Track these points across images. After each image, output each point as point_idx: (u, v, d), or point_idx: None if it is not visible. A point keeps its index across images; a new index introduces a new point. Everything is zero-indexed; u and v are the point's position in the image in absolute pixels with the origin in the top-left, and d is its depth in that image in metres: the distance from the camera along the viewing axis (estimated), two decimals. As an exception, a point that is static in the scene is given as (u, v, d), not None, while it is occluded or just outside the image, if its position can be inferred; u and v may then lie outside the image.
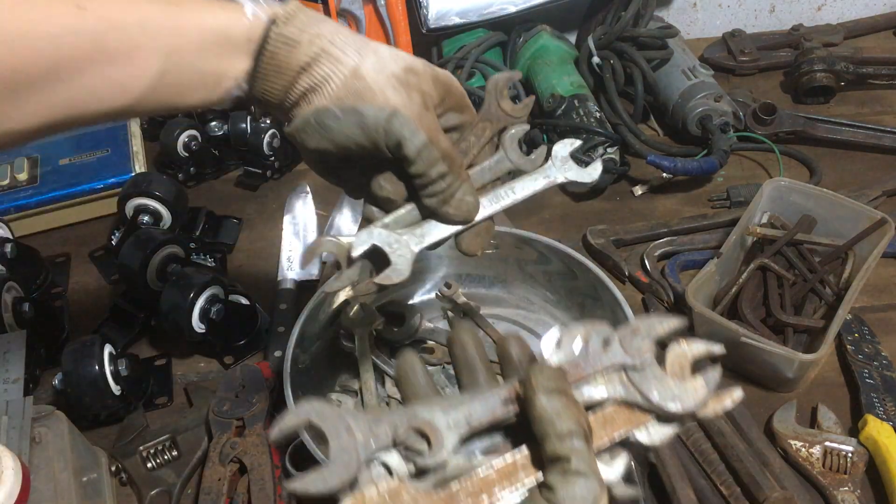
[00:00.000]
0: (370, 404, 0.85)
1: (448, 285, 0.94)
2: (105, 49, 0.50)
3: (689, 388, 0.45)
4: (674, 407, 0.44)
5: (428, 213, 0.61)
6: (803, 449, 0.82)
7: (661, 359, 0.46)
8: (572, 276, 0.92)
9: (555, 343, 0.48)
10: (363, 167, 0.60)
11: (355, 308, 0.91)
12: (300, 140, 0.57)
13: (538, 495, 0.41)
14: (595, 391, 0.45)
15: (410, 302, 0.98)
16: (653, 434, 0.45)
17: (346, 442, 0.42)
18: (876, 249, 0.91)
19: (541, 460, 0.42)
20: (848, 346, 0.91)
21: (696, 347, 0.46)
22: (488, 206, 0.62)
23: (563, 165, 0.65)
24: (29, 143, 0.54)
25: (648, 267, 1.03)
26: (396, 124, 0.54)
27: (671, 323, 0.47)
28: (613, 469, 0.45)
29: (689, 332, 0.92)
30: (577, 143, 0.65)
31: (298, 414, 0.43)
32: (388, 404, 0.86)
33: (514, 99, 0.69)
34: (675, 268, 1.02)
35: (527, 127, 0.64)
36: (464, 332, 0.52)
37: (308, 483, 0.41)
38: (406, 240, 0.61)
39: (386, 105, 0.54)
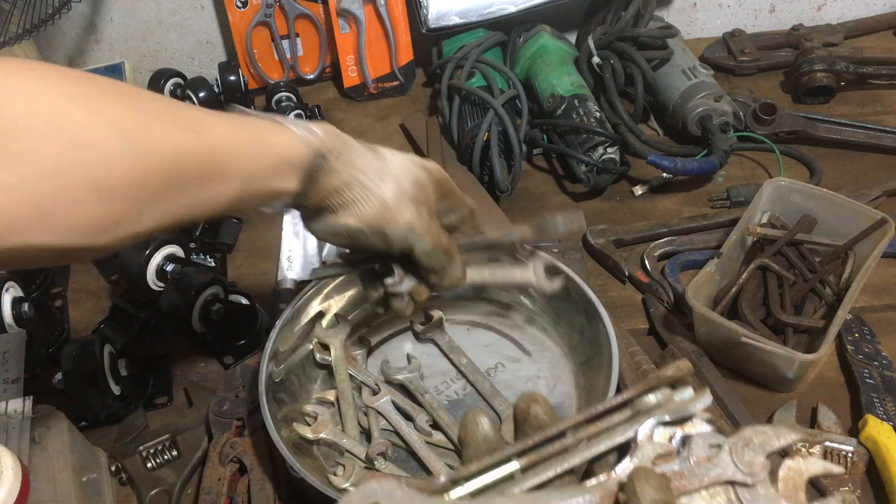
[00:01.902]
0: (348, 415, 0.85)
1: (428, 316, 0.93)
2: (210, 169, 0.56)
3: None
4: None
5: (428, 284, 0.74)
6: (803, 449, 0.82)
7: (773, 475, 0.41)
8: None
9: (649, 431, 0.43)
10: (370, 255, 0.73)
11: (329, 318, 0.91)
12: (323, 237, 0.69)
13: None
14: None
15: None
16: None
17: None
18: (876, 249, 0.91)
19: None
20: (848, 346, 0.91)
21: (814, 466, 0.42)
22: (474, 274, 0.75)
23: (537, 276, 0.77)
24: (135, 243, 0.61)
25: (648, 267, 1.03)
26: (411, 237, 0.67)
27: (790, 437, 0.43)
28: None
29: (689, 329, 0.92)
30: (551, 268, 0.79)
31: (365, 494, 0.40)
32: (366, 415, 0.85)
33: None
34: (675, 268, 1.02)
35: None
36: (535, 405, 0.51)
37: None
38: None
39: (404, 225, 0.66)
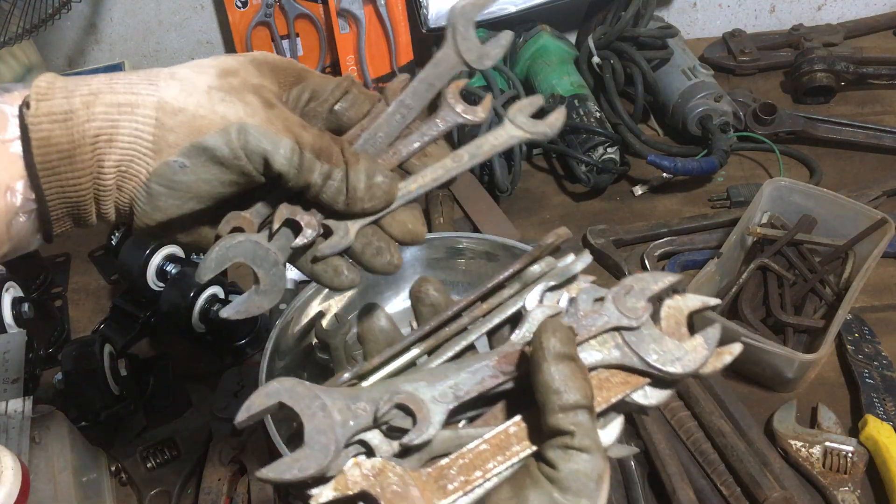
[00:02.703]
0: None
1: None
2: None
3: (689, 348, 0.43)
4: (674, 369, 0.42)
5: (340, 217, 0.48)
6: (803, 449, 0.82)
7: (655, 316, 0.44)
8: None
9: (538, 298, 0.45)
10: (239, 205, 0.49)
11: (329, 318, 0.91)
12: (154, 220, 0.46)
13: (535, 469, 0.39)
14: (590, 356, 0.42)
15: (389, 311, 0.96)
16: (650, 396, 0.43)
17: (323, 423, 0.38)
18: (876, 249, 0.91)
19: (538, 430, 0.39)
20: (848, 346, 0.91)
21: (692, 301, 0.44)
22: (428, 176, 0.50)
23: (520, 122, 0.51)
24: None
25: (648, 267, 1.03)
26: (252, 139, 0.43)
27: (666, 279, 0.44)
28: (608, 433, 0.43)
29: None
30: (539, 102, 0.52)
31: (268, 394, 0.39)
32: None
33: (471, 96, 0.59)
34: (676, 268, 1.02)
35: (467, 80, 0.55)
36: (425, 283, 0.48)
37: (281, 470, 0.37)
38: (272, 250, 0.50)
39: (227, 124, 0.43)
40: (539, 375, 0.39)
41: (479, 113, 0.51)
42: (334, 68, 1.40)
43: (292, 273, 1.07)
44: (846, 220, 0.96)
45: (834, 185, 1.08)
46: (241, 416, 0.39)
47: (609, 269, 1.05)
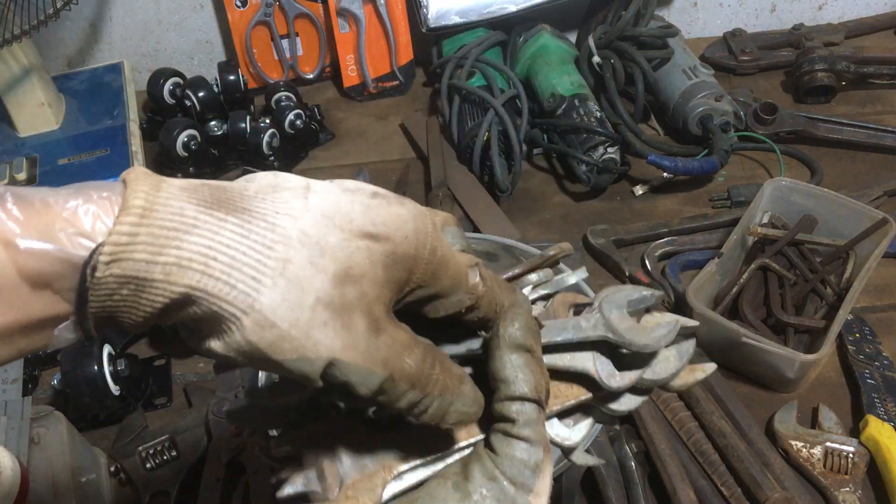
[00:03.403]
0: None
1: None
2: None
3: (661, 358, 0.44)
4: (645, 376, 0.43)
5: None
6: (804, 449, 0.82)
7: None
8: None
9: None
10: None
11: None
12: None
13: (481, 448, 0.40)
14: (559, 358, 0.43)
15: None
16: (622, 402, 0.44)
17: None
18: (877, 249, 0.91)
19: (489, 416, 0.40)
20: (849, 347, 0.91)
21: (668, 318, 0.45)
22: None
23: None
24: None
25: (649, 267, 1.03)
26: (338, 373, 0.36)
27: (643, 293, 0.45)
28: (575, 433, 0.44)
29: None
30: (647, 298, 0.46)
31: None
32: None
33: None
34: (676, 268, 1.02)
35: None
36: None
37: None
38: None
39: (316, 356, 0.35)
40: (491, 362, 0.38)
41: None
42: (334, 68, 1.40)
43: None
44: (847, 220, 0.96)
45: (835, 185, 1.08)
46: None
47: (609, 269, 1.05)
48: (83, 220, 0.33)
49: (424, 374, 0.38)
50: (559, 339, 0.43)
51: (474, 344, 0.43)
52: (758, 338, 0.83)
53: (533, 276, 0.49)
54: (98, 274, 0.33)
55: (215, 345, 0.36)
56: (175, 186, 0.35)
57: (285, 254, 0.35)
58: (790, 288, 0.93)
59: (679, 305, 0.97)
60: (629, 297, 0.45)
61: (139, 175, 0.35)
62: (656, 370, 0.43)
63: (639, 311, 0.45)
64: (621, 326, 0.43)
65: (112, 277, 0.34)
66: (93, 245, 0.33)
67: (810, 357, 0.81)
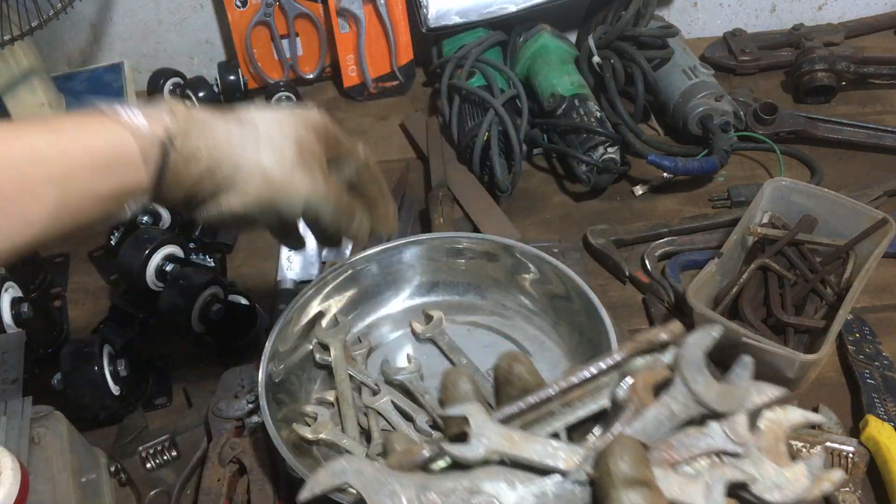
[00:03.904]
0: (348, 416, 0.84)
1: (428, 317, 0.93)
2: (9, 184, 0.51)
3: (790, 476, 0.38)
4: (772, 498, 0.37)
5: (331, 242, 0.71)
6: (804, 449, 0.82)
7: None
8: (547, 280, 0.92)
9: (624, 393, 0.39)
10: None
11: (328, 319, 0.91)
12: (210, 225, 0.70)
13: None
14: (683, 489, 0.36)
15: (385, 312, 0.97)
16: None
17: None
18: (877, 249, 0.91)
19: None
20: (849, 347, 0.91)
21: (794, 415, 0.40)
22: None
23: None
24: None
25: (649, 267, 1.03)
26: (311, 207, 0.62)
27: (770, 392, 0.40)
28: None
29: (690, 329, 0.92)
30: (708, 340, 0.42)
31: (334, 473, 0.37)
32: (366, 415, 0.85)
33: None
34: (676, 268, 1.02)
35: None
36: (455, 374, 0.45)
37: None
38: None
39: (301, 194, 0.61)
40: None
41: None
42: (334, 68, 1.40)
43: (292, 273, 1.07)
44: (847, 220, 0.96)
45: (835, 184, 1.08)
46: (305, 494, 0.38)
47: (609, 269, 1.05)
48: (163, 117, 0.57)
49: (353, 206, 0.67)
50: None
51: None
52: (758, 338, 0.83)
53: (640, 361, 0.42)
54: (174, 150, 0.56)
55: (235, 203, 0.59)
56: (197, 106, 0.59)
57: (268, 137, 0.60)
58: (790, 288, 0.93)
59: (679, 305, 0.97)
60: (704, 347, 0.40)
61: (175, 99, 0.58)
62: (785, 491, 0.37)
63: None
64: (709, 397, 0.39)
65: (180, 155, 0.56)
66: (162, 132, 0.56)
67: (810, 357, 0.81)
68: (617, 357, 0.42)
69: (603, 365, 0.42)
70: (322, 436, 0.82)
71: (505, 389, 0.45)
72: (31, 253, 0.87)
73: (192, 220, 0.63)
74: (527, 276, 0.93)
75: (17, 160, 0.51)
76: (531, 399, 0.41)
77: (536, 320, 0.94)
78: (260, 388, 0.79)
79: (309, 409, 0.84)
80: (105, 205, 0.56)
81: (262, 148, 0.59)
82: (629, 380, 0.40)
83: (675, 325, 0.42)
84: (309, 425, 0.83)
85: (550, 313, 0.93)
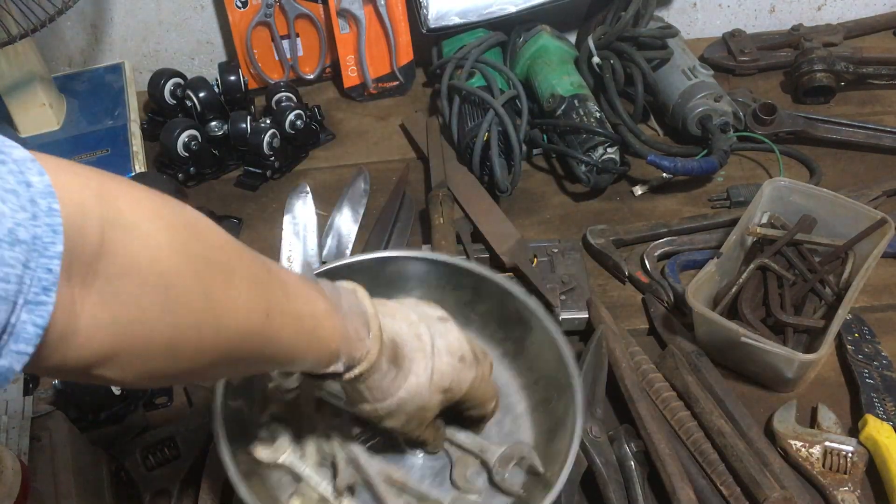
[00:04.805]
0: (308, 438, 0.76)
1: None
2: (265, 354, 0.59)
3: None
4: None
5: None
6: (803, 449, 0.82)
7: None
8: (503, 305, 0.83)
9: None
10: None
11: None
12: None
13: None
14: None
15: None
16: None
17: None
18: (876, 249, 0.91)
19: None
20: (848, 346, 0.91)
21: None
22: None
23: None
24: None
25: (648, 267, 1.03)
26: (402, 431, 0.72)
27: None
28: None
29: (689, 329, 0.92)
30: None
31: None
32: (328, 438, 0.76)
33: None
34: (676, 268, 1.02)
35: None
36: None
37: None
38: None
39: (425, 419, 0.71)
40: None
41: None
42: (334, 68, 1.40)
43: (292, 273, 1.07)
44: (846, 220, 0.96)
45: (834, 185, 1.08)
46: None
47: (609, 269, 1.05)
48: (360, 329, 0.64)
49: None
50: None
51: None
52: (757, 337, 0.84)
53: None
54: (361, 367, 0.64)
55: (389, 424, 0.69)
56: (379, 339, 0.65)
57: (419, 383, 0.68)
58: (789, 288, 0.93)
59: (678, 305, 0.98)
60: None
61: (373, 314, 0.65)
62: None
63: None
64: None
65: (360, 370, 0.64)
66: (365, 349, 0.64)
67: (809, 357, 0.81)
68: None
69: None
70: (281, 460, 0.74)
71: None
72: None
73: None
74: (483, 305, 0.84)
75: (278, 339, 0.59)
76: None
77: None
78: (215, 412, 0.71)
79: (264, 433, 0.76)
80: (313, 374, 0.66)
81: (418, 367, 0.67)
82: None
83: None
84: (266, 446, 0.74)
85: (508, 344, 0.84)
